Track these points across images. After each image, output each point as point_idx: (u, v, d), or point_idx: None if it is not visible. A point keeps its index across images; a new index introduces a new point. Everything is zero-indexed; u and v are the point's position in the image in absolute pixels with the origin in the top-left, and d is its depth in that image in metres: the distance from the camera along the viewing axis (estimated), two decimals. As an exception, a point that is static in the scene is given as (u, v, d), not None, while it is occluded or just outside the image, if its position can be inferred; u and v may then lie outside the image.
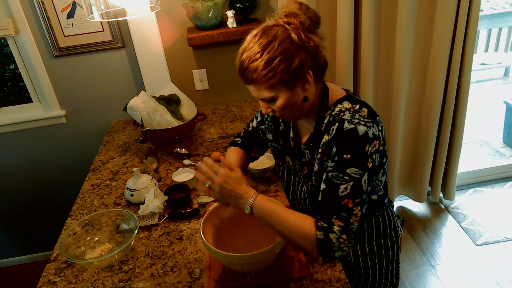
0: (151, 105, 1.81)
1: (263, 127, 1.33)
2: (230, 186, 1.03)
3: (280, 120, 1.24)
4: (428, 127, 2.35)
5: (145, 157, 1.62)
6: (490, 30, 4.66)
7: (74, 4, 1.98)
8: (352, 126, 0.97)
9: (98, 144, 2.18)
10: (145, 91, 2.12)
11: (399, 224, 1.33)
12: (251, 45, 0.98)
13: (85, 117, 2.29)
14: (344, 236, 0.96)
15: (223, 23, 2.05)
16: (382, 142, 1.01)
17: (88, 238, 1.34)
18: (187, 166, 1.75)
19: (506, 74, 4.83)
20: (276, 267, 1.15)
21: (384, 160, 1.09)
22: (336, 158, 0.98)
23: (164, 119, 1.80)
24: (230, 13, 1.96)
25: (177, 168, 1.72)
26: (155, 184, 1.58)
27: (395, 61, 2.15)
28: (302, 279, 1.13)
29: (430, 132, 2.36)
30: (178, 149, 1.82)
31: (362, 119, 0.99)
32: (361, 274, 1.27)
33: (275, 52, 0.94)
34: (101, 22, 2.02)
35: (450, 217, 2.64)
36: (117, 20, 2.03)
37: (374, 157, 0.98)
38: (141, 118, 1.74)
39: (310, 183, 1.12)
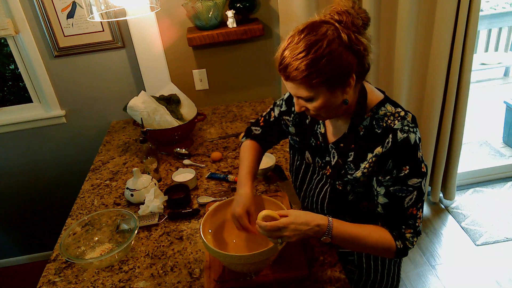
0: (151, 105, 1.81)
1: (286, 117, 1.25)
2: (300, 231, 0.98)
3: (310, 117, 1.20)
4: (428, 127, 2.35)
5: (145, 157, 1.62)
6: (490, 30, 4.66)
7: (74, 4, 1.98)
8: (405, 135, 0.96)
9: (98, 144, 2.18)
10: (145, 91, 2.12)
11: None
12: (296, 40, 0.90)
13: (85, 117, 2.29)
14: (416, 238, 1.04)
15: (223, 23, 2.05)
16: None
17: (88, 238, 1.34)
18: (187, 166, 1.75)
19: (506, 74, 4.83)
20: (276, 267, 1.15)
21: None
22: (394, 172, 0.98)
23: (164, 119, 1.80)
24: (230, 13, 1.96)
25: (177, 168, 1.71)
26: (155, 184, 1.58)
27: (395, 61, 2.15)
28: (302, 279, 1.13)
29: (430, 132, 2.36)
30: (178, 149, 1.82)
31: (410, 125, 0.97)
32: (362, 274, 1.27)
33: (322, 52, 0.88)
34: (101, 22, 2.02)
35: (450, 217, 2.64)
36: (117, 20, 2.03)
37: (423, 159, 1.00)
38: (141, 118, 1.74)
39: (337, 182, 1.09)
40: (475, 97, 4.20)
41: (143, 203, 1.50)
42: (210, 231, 1.17)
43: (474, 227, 2.53)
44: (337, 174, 1.09)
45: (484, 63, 4.44)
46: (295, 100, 1.02)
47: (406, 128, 0.97)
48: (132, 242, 1.31)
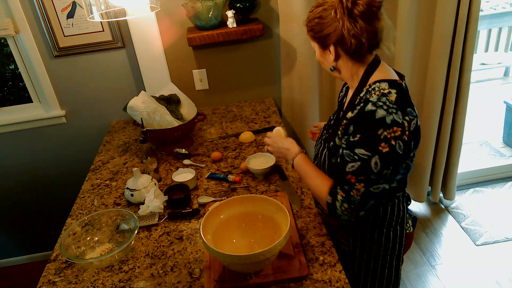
0: (151, 105, 1.81)
1: None
2: (275, 144, 1.33)
3: (343, 88, 1.35)
4: (428, 127, 2.35)
5: (145, 157, 1.62)
6: (490, 30, 4.66)
7: (74, 4, 1.98)
8: (373, 108, 1.01)
9: (98, 144, 2.18)
10: (145, 91, 2.12)
11: (410, 222, 1.32)
12: None
13: (85, 117, 2.29)
14: (346, 205, 1.08)
15: (223, 23, 2.05)
16: (407, 132, 1.02)
17: (88, 238, 1.34)
18: (187, 166, 1.75)
19: (506, 74, 4.83)
20: (276, 267, 1.15)
21: (411, 154, 1.12)
22: (350, 137, 1.06)
23: (164, 119, 1.80)
24: (230, 13, 1.96)
25: (177, 168, 1.72)
26: (155, 184, 1.58)
27: (395, 61, 2.15)
28: (302, 279, 1.13)
29: (430, 132, 2.36)
30: (178, 149, 1.82)
31: (387, 103, 1.01)
32: (355, 258, 1.28)
33: (317, 14, 1.10)
34: (101, 22, 2.02)
35: (450, 217, 2.64)
36: (117, 20, 2.03)
37: (393, 142, 1.00)
38: (141, 118, 1.74)
39: (327, 145, 1.20)
40: (475, 97, 4.20)
41: (143, 203, 1.50)
42: (210, 231, 1.17)
43: (474, 227, 2.53)
44: (330, 137, 1.20)
45: (484, 63, 4.44)
46: None
47: (380, 103, 1.01)
48: (132, 242, 1.31)
